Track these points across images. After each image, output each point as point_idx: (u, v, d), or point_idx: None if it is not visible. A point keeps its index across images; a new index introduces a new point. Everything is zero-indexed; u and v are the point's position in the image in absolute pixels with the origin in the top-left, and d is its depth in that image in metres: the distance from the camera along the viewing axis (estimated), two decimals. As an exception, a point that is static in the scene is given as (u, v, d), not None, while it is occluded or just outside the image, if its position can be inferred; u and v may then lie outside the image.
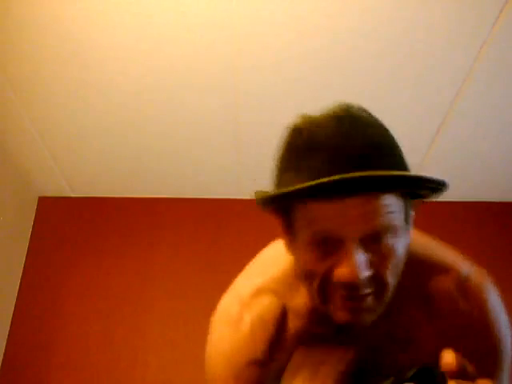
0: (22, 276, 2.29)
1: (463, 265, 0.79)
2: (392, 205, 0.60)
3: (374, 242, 0.60)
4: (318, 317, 0.74)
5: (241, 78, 1.84)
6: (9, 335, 2.15)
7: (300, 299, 0.76)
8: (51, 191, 2.46)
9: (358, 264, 0.59)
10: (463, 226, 2.42)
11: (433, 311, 0.75)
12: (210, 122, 2.04)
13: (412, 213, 0.67)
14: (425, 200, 0.68)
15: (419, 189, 0.64)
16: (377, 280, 0.62)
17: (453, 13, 1.64)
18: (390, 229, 0.60)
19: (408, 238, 0.66)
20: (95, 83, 1.88)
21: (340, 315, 0.65)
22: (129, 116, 2.02)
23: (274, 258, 0.79)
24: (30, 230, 2.40)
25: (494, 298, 0.77)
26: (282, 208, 0.66)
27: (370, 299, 0.63)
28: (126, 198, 2.44)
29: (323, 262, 0.62)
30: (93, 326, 2.17)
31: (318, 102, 1.97)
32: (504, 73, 1.84)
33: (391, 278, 0.63)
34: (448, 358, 0.55)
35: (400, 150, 0.66)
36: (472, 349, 0.70)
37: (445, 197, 2.49)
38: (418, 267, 0.75)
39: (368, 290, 0.62)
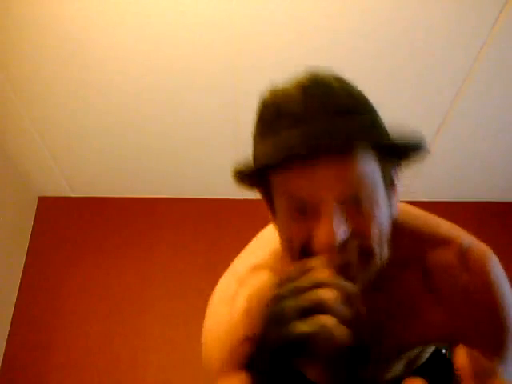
0: (21, 276, 2.28)
1: (464, 237, 0.77)
2: (365, 167, 0.59)
3: (352, 206, 0.59)
4: None
5: (241, 78, 1.84)
6: (9, 335, 2.15)
7: None
8: (51, 191, 2.46)
9: (334, 226, 0.57)
10: (463, 226, 2.41)
11: (434, 284, 0.73)
12: (210, 122, 2.04)
13: (395, 181, 0.66)
14: (405, 166, 0.67)
15: (390, 150, 0.62)
16: (360, 244, 0.61)
17: (453, 13, 1.64)
18: (365, 189, 0.59)
19: (393, 208, 0.65)
20: (95, 83, 1.88)
21: None
22: (129, 116, 2.02)
23: (270, 237, 0.79)
24: (30, 230, 2.40)
25: (496, 269, 0.74)
26: (259, 182, 0.66)
27: (354, 267, 0.61)
28: (125, 197, 2.44)
29: (302, 227, 0.61)
30: (93, 326, 2.16)
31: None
32: (504, 73, 1.84)
33: (376, 246, 0.61)
34: (460, 359, 0.55)
35: (371, 111, 0.64)
36: (476, 320, 0.70)
37: (445, 197, 2.49)
38: (417, 240, 0.74)
39: (350, 256, 0.60)
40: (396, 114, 2.09)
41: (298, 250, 0.62)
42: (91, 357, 2.10)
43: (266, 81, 0.74)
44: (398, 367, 0.97)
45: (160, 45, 1.75)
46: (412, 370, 1.00)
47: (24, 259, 2.32)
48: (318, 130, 0.57)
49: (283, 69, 1.82)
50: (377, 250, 0.62)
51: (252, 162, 0.63)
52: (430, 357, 1.03)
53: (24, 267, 2.31)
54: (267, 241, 0.80)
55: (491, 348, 0.70)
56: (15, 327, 2.17)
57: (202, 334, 0.80)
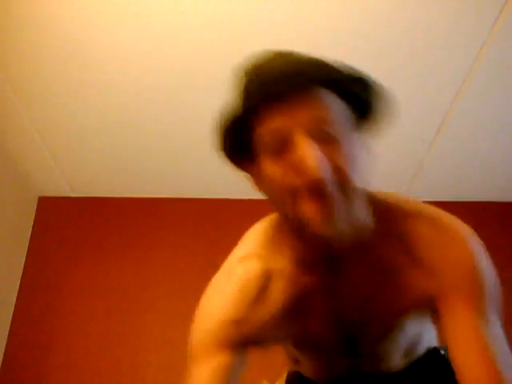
0: (21, 276, 2.29)
1: (435, 208, 0.84)
2: (332, 104, 0.69)
3: (322, 135, 0.67)
4: (304, 269, 0.79)
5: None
6: (9, 335, 2.15)
7: (283, 259, 0.81)
8: (51, 191, 2.46)
9: (309, 149, 0.64)
10: (463, 226, 2.41)
11: (413, 252, 0.77)
12: (210, 121, 2.03)
13: (361, 125, 0.75)
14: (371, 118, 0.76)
15: (343, 90, 0.70)
16: (338, 176, 0.66)
17: (453, 13, 1.64)
18: (334, 126, 0.68)
19: (358, 144, 0.73)
20: (95, 83, 1.88)
21: (312, 221, 0.67)
22: (129, 116, 2.02)
23: (256, 231, 0.87)
24: (30, 230, 2.40)
25: (467, 232, 0.80)
26: (242, 145, 0.73)
27: (336, 200, 0.66)
28: (125, 197, 2.44)
29: (286, 170, 0.67)
30: (93, 326, 2.17)
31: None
32: (504, 73, 1.84)
33: (351, 173, 0.68)
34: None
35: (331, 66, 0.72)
36: (453, 276, 0.75)
37: (445, 197, 2.49)
38: (396, 215, 0.80)
39: (332, 188, 0.66)
40: (396, 113, 2.09)
41: (286, 188, 0.67)
42: (91, 357, 2.10)
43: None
44: (395, 359, 0.98)
45: (160, 45, 1.75)
46: (409, 365, 1.01)
47: (24, 259, 2.32)
48: (288, 72, 0.67)
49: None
50: (353, 180, 0.68)
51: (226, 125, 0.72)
52: (429, 357, 1.03)
53: (24, 267, 2.31)
54: (253, 235, 0.87)
55: (470, 302, 0.74)
56: (15, 327, 2.17)
57: (195, 317, 0.85)
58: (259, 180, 0.75)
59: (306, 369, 1.07)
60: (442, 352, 1.08)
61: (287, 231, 0.79)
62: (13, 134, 2.13)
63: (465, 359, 0.71)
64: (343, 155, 0.67)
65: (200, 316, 0.84)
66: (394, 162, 2.25)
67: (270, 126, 0.67)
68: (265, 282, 0.80)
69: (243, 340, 0.80)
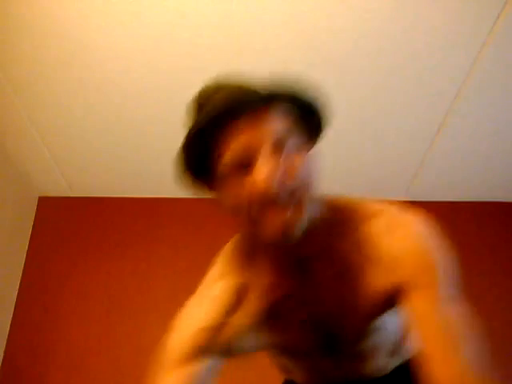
0: (21, 276, 2.29)
1: (393, 208, 0.86)
2: (283, 114, 0.73)
3: (278, 151, 0.70)
4: (276, 277, 0.83)
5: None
6: (9, 335, 2.15)
7: (255, 272, 0.84)
8: (51, 191, 2.46)
9: (267, 170, 0.68)
10: (463, 226, 2.42)
11: (369, 251, 0.81)
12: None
13: (311, 137, 0.79)
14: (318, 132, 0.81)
15: (294, 103, 0.74)
16: (293, 188, 0.70)
17: (453, 13, 1.64)
18: (287, 140, 0.71)
19: (313, 157, 0.77)
20: (95, 83, 1.88)
21: (270, 233, 0.71)
22: (129, 116, 2.02)
23: (225, 253, 0.91)
24: (30, 230, 2.40)
25: (420, 226, 0.82)
26: (202, 166, 0.76)
27: (291, 209, 0.70)
28: (125, 197, 2.44)
29: (244, 187, 0.70)
30: (93, 326, 2.17)
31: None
32: (504, 73, 1.84)
33: (306, 182, 0.72)
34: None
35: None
36: (411, 275, 0.77)
37: (445, 197, 2.48)
38: (351, 216, 0.83)
39: (288, 200, 0.70)
40: (396, 114, 2.11)
41: (246, 206, 0.71)
42: (91, 357, 2.10)
43: (266, 81, 0.77)
44: (381, 359, 1.01)
45: (160, 45, 1.75)
46: (397, 367, 1.03)
47: (24, 259, 2.32)
48: (237, 94, 0.71)
49: (283, 69, 1.82)
50: (307, 191, 0.72)
51: (185, 145, 0.73)
52: (414, 359, 1.05)
53: (24, 267, 2.31)
54: (223, 258, 0.91)
55: (428, 290, 0.77)
56: (15, 327, 2.17)
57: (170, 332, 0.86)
58: (218, 197, 0.79)
59: (297, 376, 1.10)
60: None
61: (254, 245, 0.84)
62: (13, 134, 2.13)
63: (426, 350, 0.74)
64: (300, 168, 0.71)
65: (175, 327, 0.86)
66: (394, 161, 2.26)
67: (232, 146, 0.70)
68: (240, 294, 0.84)
69: (219, 349, 0.82)
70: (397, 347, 1.04)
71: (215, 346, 0.81)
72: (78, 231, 2.40)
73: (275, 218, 0.70)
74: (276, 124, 0.71)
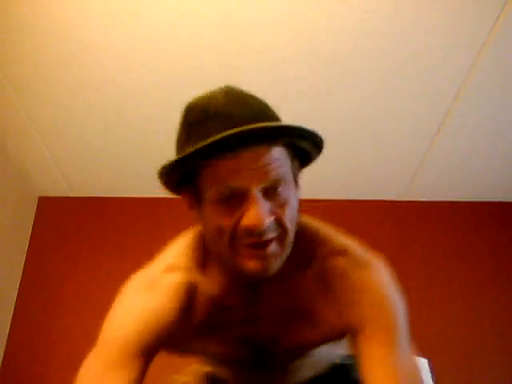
0: (21, 276, 2.29)
1: (358, 247, 0.85)
2: (280, 157, 0.70)
3: (272, 192, 0.69)
4: (226, 290, 0.81)
5: (241, 78, 1.84)
6: (9, 335, 2.15)
7: (208, 277, 0.82)
8: (51, 191, 2.46)
9: (262, 211, 0.67)
10: (463, 226, 2.42)
11: (327, 291, 0.81)
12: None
13: (298, 174, 0.76)
14: (308, 162, 0.78)
15: (297, 138, 0.71)
16: (278, 226, 0.70)
17: (453, 13, 1.64)
18: (282, 180, 0.70)
19: (297, 196, 0.75)
20: (95, 83, 1.88)
21: (249, 264, 0.71)
22: (129, 116, 2.02)
23: (182, 244, 0.87)
24: (30, 230, 2.40)
25: (382, 272, 0.83)
26: (187, 177, 0.73)
27: (273, 245, 0.70)
28: (125, 197, 2.44)
29: (231, 217, 0.69)
30: (92, 326, 2.16)
31: (318, 102, 1.97)
32: (504, 73, 1.84)
33: (290, 225, 0.71)
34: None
35: (278, 118, 0.74)
36: (367, 319, 0.78)
37: (445, 197, 2.48)
38: (317, 249, 0.83)
39: (272, 235, 0.70)
40: (396, 113, 2.10)
41: (229, 236, 0.69)
42: (91, 357, 2.10)
43: (267, 81, 0.78)
44: (308, 371, 1.03)
45: (160, 45, 1.75)
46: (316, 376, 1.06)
47: (24, 259, 2.32)
48: (243, 124, 0.65)
49: (283, 69, 1.82)
50: (290, 227, 0.71)
51: (180, 161, 0.69)
52: (333, 368, 1.10)
53: (24, 267, 2.31)
54: (178, 248, 0.87)
55: (382, 334, 0.78)
56: (15, 327, 2.17)
57: (113, 312, 0.85)
58: (198, 215, 0.77)
59: (224, 375, 1.10)
60: (343, 361, 1.12)
61: (214, 258, 0.82)
62: (13, 134, 2.13)
63: None
64: (287, 213, 0.71)
65: (119, 319, 0.82)
66: (394, 161, 2.26)
67: (224, 183, 0.67)
68: (188, 296, 0.81)
69: (159, 349, 0.81)
70: (326, 360, 1.07)
71: (159, 347, 0.80)
72: (78, 231, 2.40)
73: (256, 254, 0.70)
74: (274, 167, 0.68)
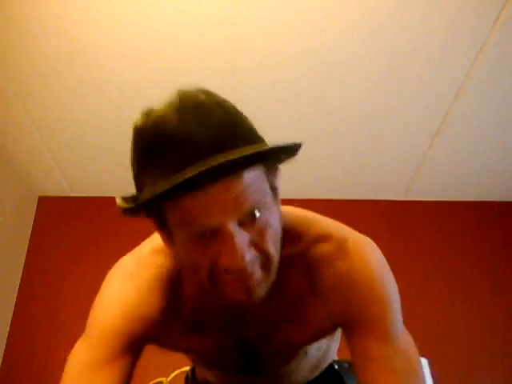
0: (21, 276, 2.29)
1: (342, 230, 0.78)
2: (254, 180, 0.60)
3: (249, 221, 0.60)
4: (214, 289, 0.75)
5: (241, 77, 1.84)
6: (9, 335, 2.15)
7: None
8: (51, 191, 2.46)
9: (240, 247, 0.59)
10: (463, 226, 2.42)
11: (316, 284, 0.76)
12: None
13: (276, 181, 0.67)
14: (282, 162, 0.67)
15: (274, 158, 0.63)
16: (261, 255, 0.63)
17: (453, 13, 1.64)
18: (259, 204, 0.60)
19: (279, 209, 0.67)
20: (95, 83, 1.88)
21: (233, 295, 0.65)
22: (128, 116, 2.01)
23: None
24: (30, 229, 2.40)
25: (370, 254, 0.76)
26: (151, 212, 0.66)
27: (258, 274, 0.63)
28: (126, 197, 2.44)
29: (206, 254, 0.61)
30: (93, 326, 2.16)
31: (318, 102, 1.97)
32: (504, 73, 1.84)
33: (273, 250, 0.64)
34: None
35: (249, 124, 0.63)
36: (357, 308, 0.74)
37: (445, 197, 2.48)
38: (298, 238, 0.76)
39: (255, 267, 0.63)
40: (396, 113, 2.10)
41: (206, 273, 0.63)
42: (91, 357, 2.10)
43: (266, 81, 0.75)
44: (300, 377, 1.01)
45: (160, 45, 1.75)
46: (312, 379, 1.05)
47: (24, 259, 2.32)
48: (206, 155, 0.55)
49: (283, 69, 1.82)
50: (273, 252, 0.64)
51: (140, 195, 0.62)
52: (325, 374, 1.08)
53: (24, 267, 2.31)
54: None
55: (375, 327, 0.74)
56: (15, 327, 2.17)
57: (99, 299, 0.81)
58: (170, 246, 0.69)
59: (209, 375, 1.07)
60: (336, 367, 1.12)
61: None
62: (13, 134, 2.13)
63: (372, 379, 0.73)
64: (269, 237, 0.63)
65: (112, 308, 0.77)
66: (394, 161, 2.26)
67: (194, 215, 0.58)
68: (176, 284, 0.77)
69: (147, 342, 0.78)
70: (318, 365, 1.05)
71: (146, 337, 0.76)
72: (78, 231, 2.40)
73: (239, 286, 0.63)
74: (247, 195, 0.58)
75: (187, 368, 1.27)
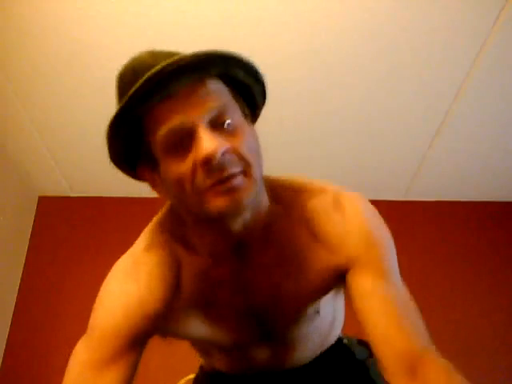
0: (21, 276, 2.29)
1: (335, 186, 0.84)
2: (219, 90, 0.68)
3: (219, 125, 0.66)
4: (210, 260, 0.78)
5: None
6: (9, 335, 2.15)
7: (190, 250, 0.79)
8: (51, 191, 2.46)
9: (211, 139, 0.63)
10: (463, 226, 2.42)
11: (314, 230, 0.79)
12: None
13: (247, 112, 0.73)
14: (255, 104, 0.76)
15: (227, 65, 0.69)
16: (238, 158, 0.66)
17: (453, 13, 1.64)
18: (226, 109, 0.67)
19: (254, 131, 0.73)
20: (95, 83, 1.88)
21: (218, 203, 0.66)
22: (129, 116, 2.02)
23: (155, 224, 0.86)
24: (30, 229, 2.40)
25: (365, 205, 0.82)
26: (133, 144, 0.73)
27: (239, 178, 0.66)
28: (125, 197, 2.44)
29: (185, 161, 0.65)
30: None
31: (318, 102, 1.97)
32: (504, 73, 1.84)
33: (250, 157, 0.67)
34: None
35: None
36: (357, 252, 0.78)
37: (445, 197, 2.48)
38: (295, 192, 0.81)
39: (234, 170, 0.65)
40: (396, 113, 2.10)
41: (190, 182, 0.66)
42: (91, 357, 2.10)
43: (266, 81, 0.76)
44: (309, 349, 1.01)
45: (160, 45, 1.74)
46: (317, 357, 1.05)
47: (24, 259, 2.32)
48: (170, 63, 0.62)
49: (283, 69, 1.82)
50: (253, 163, 0.68)
51: (117, 115, 0.69)
52: (334, 348, 1.09)
53: (24, 267, 2.31)
54: (152, 228, 0.85)
55: (372, 267, 0.78)
56: (15, 327, 2.17)
57: (101, 300, 0.82)
58: (159, 182, 0.73)
59: (221, 364, 1.07)
60: (345, 341, 1.13)
61: (188, 222, 0.78)
62: (13, 134, 2.13)
63: (374, 324, 0.74)
64: (243, 143, 0.67)
65: (114, 308, 0.77)
66: (394, 161, 2.26)
67: (168, 125, 0.64)
68: (173, 272, 0.78)
69: (151, 335, 0.79)
70: (326, 336, 1.05)
71: (149, 331, 0.77)
72: (78, 231, 2.40)
73: (222, 190, 0.65)
74: (213, 98, 0.66)
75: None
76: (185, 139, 0.65)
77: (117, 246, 2.64)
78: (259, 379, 1.05)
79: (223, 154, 0.64)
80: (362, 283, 0.77)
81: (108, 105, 2.20)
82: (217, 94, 0.67)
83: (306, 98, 1.92)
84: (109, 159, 0.75)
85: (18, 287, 2.26)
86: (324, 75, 1.85)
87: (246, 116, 0.72)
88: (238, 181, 0.66)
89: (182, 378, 2.04)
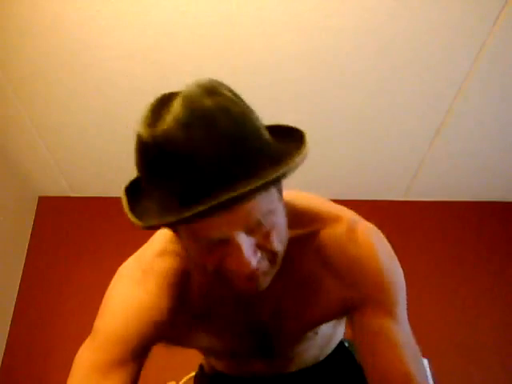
0: (21, 276, 2.29)
1: (350, 214, 0.82)
2: (263, 196, 0.59)
3: (256, 227, 0.61)
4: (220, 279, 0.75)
5: (241, 78, 1.84)
6: (9, 335, 2.15)
7: None
8: (51, 191, 2.46)
9: (247, 255, 0.60)
10: (463, 226, 2.42)
11: (326, 258, 0.78)
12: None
13: (280, 186, 0.67)
14: None
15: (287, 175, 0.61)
16: (267, 253, 0.64)
17: (453, 13, 1.64)
18: (268, 213, 0.61)
19: (283, 204, 0.68)
20: (95, 83, 1.88)
21: (239, 286, 0.66)
22: (129, 116, 2.02)
23: (170, 232, 0.79)
24: (30, 230, 2.40)
25: (379, 240, 0.80)
26: None
27: (263, 267, 0.64)
28: (125, 197, 2.44)
29: (213, 256, 0.62)
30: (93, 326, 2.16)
31: (318, 102, 1.97)
32: (504, 73, 1.84)
33: (279, 246, 0.65)
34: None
35: (257, 131, 0.61)
36: (366, 285, 0.76)
37: (445, 197, 2.48)
38: (309, 219, 0.79)
39: (263, 264, 0.64)
40: (396, 113, 2.10)
41: (212, 269, 0.64)
42: (91, 357, 2.10)
43: (266, 81, 0.76)
44: (310, 357, 1.03)
45: (160, 45, 1.75)
46: (319, 361, 1.06)
47: (24, 259, 2.32)
48: (219, 184, 0.54)
49: (283, 69, 1.82)
50: (279, 248, 0.65)
51: (147, 218, 0.62)
52: (336, 351, 1.10)
53: (24, 267, 2.31)
54: (168, 233, 0.80)
55: (383, 308, 0.76)
56: (15, 327, 2.17)
57: (107, 307, 0.80)
58: (177, 235, 0.69)
59: (219, 364, 1.08)
60: (346, 344, 1.13)
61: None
62: (13, 134, 2.13)
63: (380, 366, 0.74)
64: (276, 238, 0.64)
65: (123, 315, 0.76)
66: (394, 162, 2.26)
67: (206, 234, 0.59)
68: (182, 283, 0.78)
69: (156, 341, 0.78)
70: (326, 345, 1.06)
71: (154, 338, 0.76)
72: (78, 231, 2.40)
73: (245, 278, 0.64)
74: (259, 207, 0.59)
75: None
76: (218, 242, 0.61)
77: (117, 246, 2.67)
78: (259, 381, 1.05)
79: (257, 263, 0.62)
80: (371, 322, 0.76)
81: (108, 105, 2.22)
82: (261, 203, 0.59)
83: (306, 98, 1.92)
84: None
85: (18, 287, 2.26)
86: (324, 75, 1.85)
87: (279, 191, 0.66)
88: (262, 270, 0.64)
89: (183, 376, 2.04)
